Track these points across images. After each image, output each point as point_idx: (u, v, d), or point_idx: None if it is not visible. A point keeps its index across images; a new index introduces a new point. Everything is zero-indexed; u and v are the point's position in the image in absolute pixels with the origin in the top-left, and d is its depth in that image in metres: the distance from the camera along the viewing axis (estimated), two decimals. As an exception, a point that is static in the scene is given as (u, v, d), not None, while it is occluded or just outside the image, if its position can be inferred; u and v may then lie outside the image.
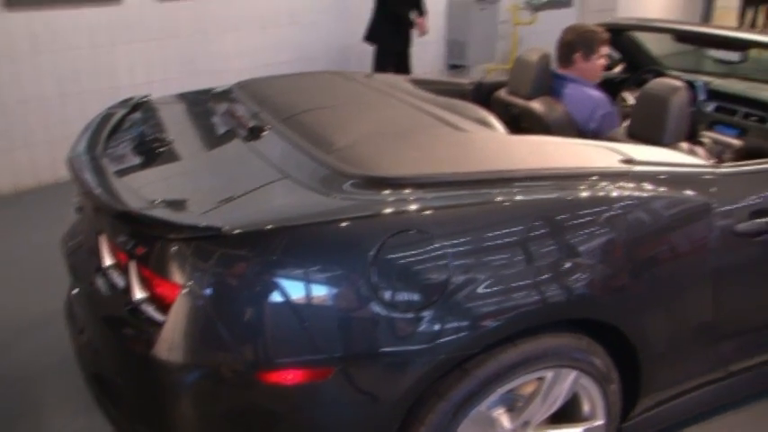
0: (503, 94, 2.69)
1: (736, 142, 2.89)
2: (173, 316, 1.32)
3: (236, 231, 1.31)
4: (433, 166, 1.60)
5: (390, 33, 5.01)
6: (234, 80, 2.34)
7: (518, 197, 1.53)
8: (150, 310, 1.38)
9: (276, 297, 1.29)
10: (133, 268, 1.41)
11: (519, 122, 2.55)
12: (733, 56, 2.77)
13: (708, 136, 2.98)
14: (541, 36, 6.77)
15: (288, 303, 1.29)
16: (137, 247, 1.40)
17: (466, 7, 6.47)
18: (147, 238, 1.38)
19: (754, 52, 2.82)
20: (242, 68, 4.73)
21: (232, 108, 2.09)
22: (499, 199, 1.52)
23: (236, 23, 4.78)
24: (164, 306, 1.35)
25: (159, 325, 1.34)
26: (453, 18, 6.58)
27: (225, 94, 2.25)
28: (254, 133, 1.84)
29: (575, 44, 2.60)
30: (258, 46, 4.94)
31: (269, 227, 1.32)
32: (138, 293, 1.41)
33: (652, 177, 1.74)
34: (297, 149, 1.68)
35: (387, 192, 1.47)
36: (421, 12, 5.18)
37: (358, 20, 5.31)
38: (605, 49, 2.63)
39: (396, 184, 1.49)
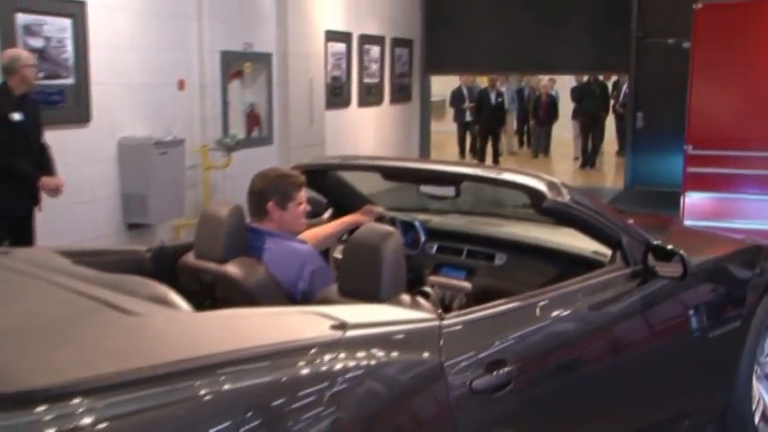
0: (191, 258, 2.81)
1: (465, 285, 3.38)
2: None
3: None
4: (99, 364, 1.63)
5: None
6: None
7: (206, 391, 1.62)
8: None
9: None
10: None
11: (214, 292, 2.68)
12: (447, 191, 3.30)
13: (434, 281, 3.48)
14: (240, 180, 7.22)
15: None
16: None
17: (143, 152, 6.45)
18: None
19: (469, 184, 3.42)
20: None
21: None
22: (187, 394, 1.59)
23: None
24: None
25: None
26: (128, 166, 6.53)
27: None
28: None
29: (266, 192, 2.85)
30: None
31: None
32: None
33: (370, 341, 1.95)
34: None
35: (42, 408, 1.46)
36: (41, 165, 5.00)
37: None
38: (303, 195, 2.94)
39: (52, 396, 1.49)
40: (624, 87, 13.34)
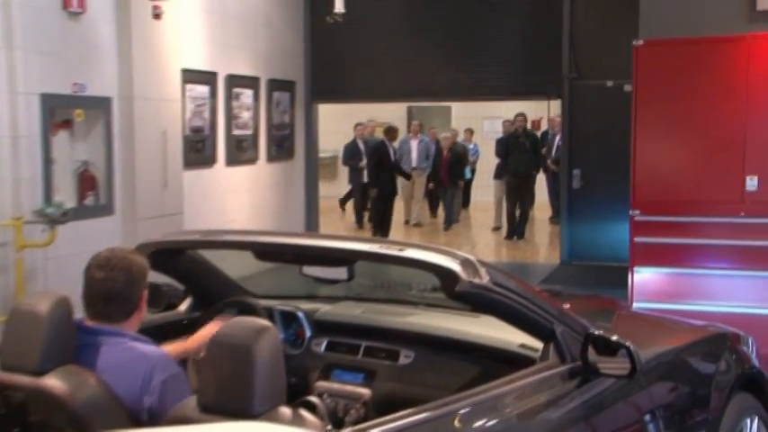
0: (-4, 370, 2.74)
1: (362, 391, 3.38)
2: None
3: None
4: None
5: None
6: None
7: None
8: None
9: None
10: None
11: (26, 415, 2.58)
12: (338, 273, 3.31)
13: (323, 388, 3.43)
14: (68, 263, 7.09)
15: None
16: None
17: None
18: None
19: (365, 264, 3.45)
20: None
21: None
22: None
23: None
24: None
25: None
26: None
27: None
28: None
29: (106, 281, 2.82)
30: None
31: None
32: None
33: None
34: None
35: None
36: None
37: None
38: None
39: None
40: (557, 139, 13.76)
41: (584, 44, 11.21)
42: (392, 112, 19.80)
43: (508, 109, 16.51)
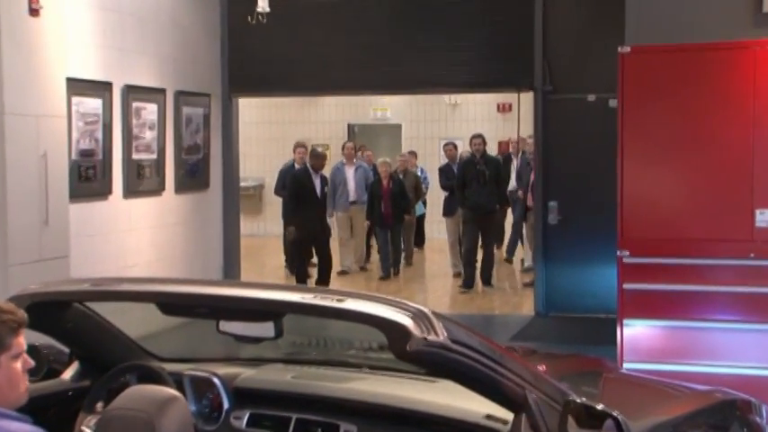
0: None
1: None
2: None
3: None
4: None
5: None
6: None
7: None
8: None
9: None
10: None
11: None
12: (263, 329, 3.29)
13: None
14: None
15: None
16: None
17: None
18: None
19: (297, 318, 3.43)
20: None
21: None
22: None
23: None
24: None
25: None
26: None
27: None
28: None
29: None
30: None
31: None
32: None
33: None
34: None
35: None
36: None
37: None
38: (22, 342, 2.85)
39: None
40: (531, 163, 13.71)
41: (561, 50, 11.35)
42: (329, 132, 19.88)
43: (470, 129, 16.63)
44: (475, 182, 14.11)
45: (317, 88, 13.25)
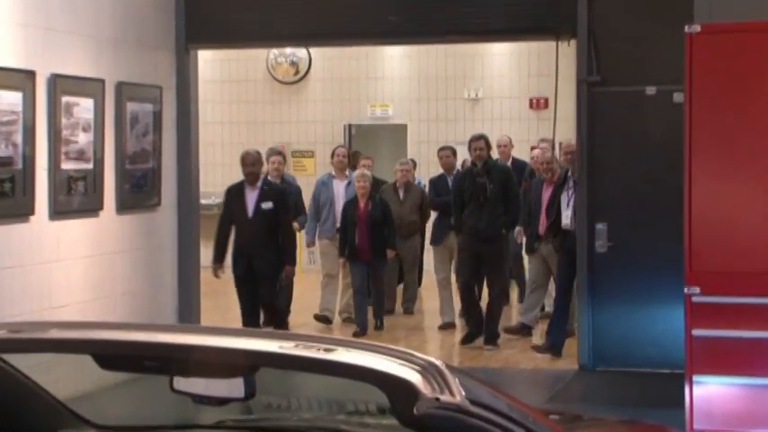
0: None
1: None
2: None
3: None
4: None
5: None
6: None
7: None
8: None
9: None
10: None
11: None
12: (231, 387, 3.31)
13: None
14: None
15: None
16: None
17: None
18: None
19: (274, 374, 3.46)
20: None
21: None
22: None
23: None
24: None
25: None
26: None
27: None
28: None
29: None
30: None
31: None
32: None
33: None
34: None
35: None
36: None
37: None
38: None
39: None
40: (569, 172, 12.81)
41: (612, 28, 11.33)
42: (314, 134, 19.86)
43: (495, 131, 16.58)
44: (474, 200, 13.28)
45: (301, 36, 13.08)
